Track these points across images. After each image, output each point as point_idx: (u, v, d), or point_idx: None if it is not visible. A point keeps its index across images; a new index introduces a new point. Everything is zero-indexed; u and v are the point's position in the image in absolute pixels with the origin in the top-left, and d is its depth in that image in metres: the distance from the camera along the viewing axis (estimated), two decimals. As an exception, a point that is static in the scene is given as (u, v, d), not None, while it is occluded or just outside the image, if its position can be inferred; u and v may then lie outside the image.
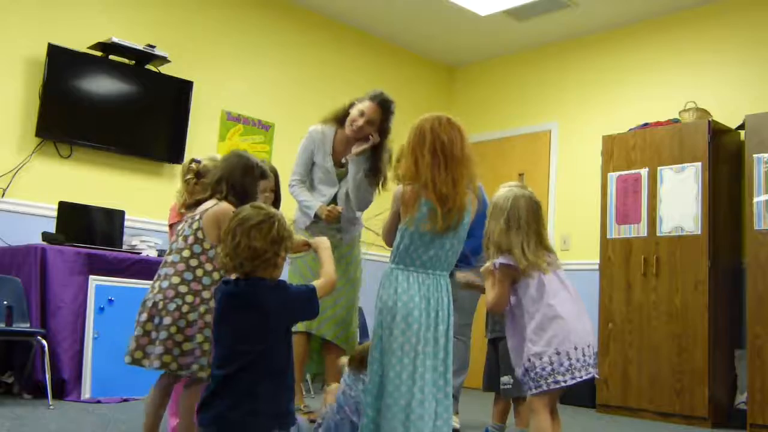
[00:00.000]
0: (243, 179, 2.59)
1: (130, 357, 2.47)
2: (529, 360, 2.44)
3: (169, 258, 2.53)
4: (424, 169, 2.33)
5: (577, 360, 2.43)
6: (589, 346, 2.48)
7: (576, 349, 2.44)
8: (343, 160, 3.76)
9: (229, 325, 2.12)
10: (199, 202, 2.62)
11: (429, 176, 2.32)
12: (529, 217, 2.54)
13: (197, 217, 2.54)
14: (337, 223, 3.74)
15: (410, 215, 2.35)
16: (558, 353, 2.41)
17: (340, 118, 3.79)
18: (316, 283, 2.23)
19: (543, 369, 2.41)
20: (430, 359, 2.31)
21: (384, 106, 3.69)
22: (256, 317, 2.09)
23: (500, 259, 2.51)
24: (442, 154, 2.34)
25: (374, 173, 3.73)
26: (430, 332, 2.32)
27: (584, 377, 2.44)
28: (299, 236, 2.58)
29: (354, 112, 3.70)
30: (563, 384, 2.42)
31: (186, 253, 2.50)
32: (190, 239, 2.51)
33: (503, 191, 2.60)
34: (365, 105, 3.67)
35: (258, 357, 2.07)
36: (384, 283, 2.38)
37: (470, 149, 2.43)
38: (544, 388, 2.42)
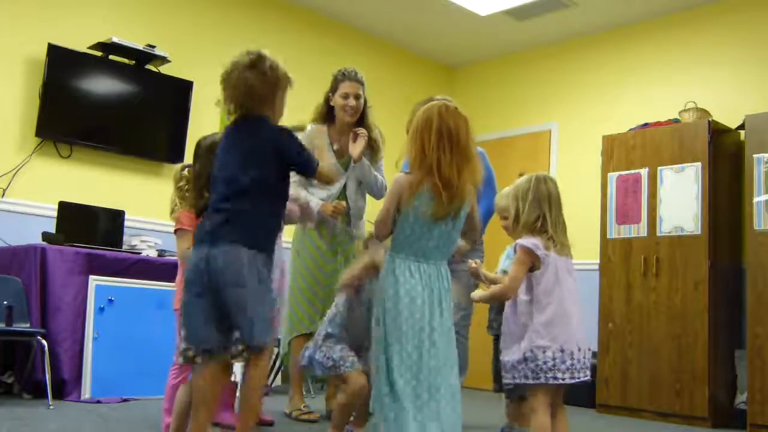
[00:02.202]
0: None
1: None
2: (532, 351, 2.45)
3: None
4: (430, 151, 2.31)
5: (578, 361, 2.46)
6: (589, 349, 2.53)
7: (579, 350, 2.48)
8: (353, 165, 3.84)
9: (230, 154, 2.38)
10: None
11: (435, 159, 2.30)
12: (554, 196, 2.65)
13: None
14: (345, 217, 3.87)
15: (412, 203, 2.32)
16: (562, 351, 2.44)
17: (324, 115, 3.97)
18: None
19: (545, 363, 2.43)
20: (434, 348, 2.28)
21: (360, 81, 3.89)
22: (256, 146, 2.34)
23: (522, 241, 2.54)
24: (448, 139, 2.33)
25: (373, 150, 3.92)
26: (436, 320, 2.30)
27: (581, 379, 2.48)
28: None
29: (338, 99, 3.88)
30: (561, 381, 2.44)
31: None
32: None
33: (523, 177, 2.72)
34: (345, 86, 3.86)
35: (253, 184, 2.30)
36: (384, 271, 2.36)
37: (474, 141, 2.44)
38: (542, 381, 2.44)
